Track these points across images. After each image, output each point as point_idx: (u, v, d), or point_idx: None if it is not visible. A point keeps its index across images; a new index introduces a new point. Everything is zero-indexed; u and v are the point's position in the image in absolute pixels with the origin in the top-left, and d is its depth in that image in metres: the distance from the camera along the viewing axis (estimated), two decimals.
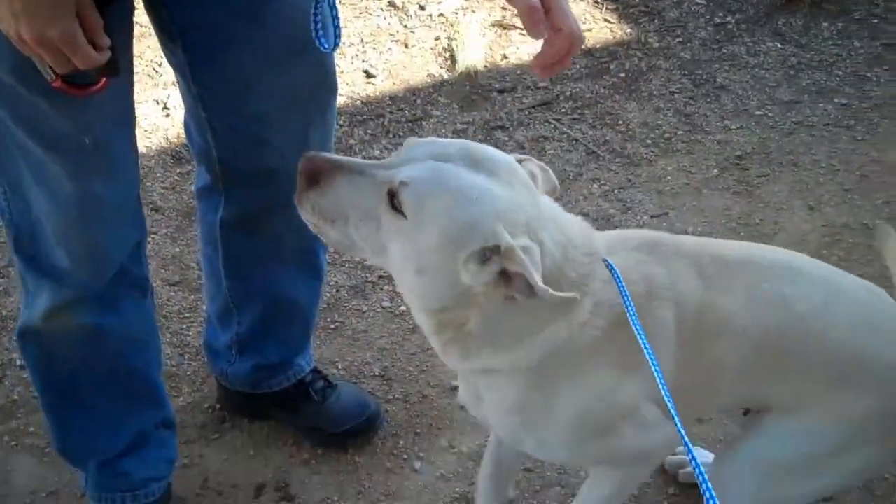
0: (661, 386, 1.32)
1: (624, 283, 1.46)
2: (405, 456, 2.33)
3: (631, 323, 1.39)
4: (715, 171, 3.32)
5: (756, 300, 1.59)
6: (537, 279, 1.30)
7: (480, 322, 1.42)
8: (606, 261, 1.48)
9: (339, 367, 2.59)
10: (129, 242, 1.88)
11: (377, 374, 2.57)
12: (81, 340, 1.93)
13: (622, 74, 3.91)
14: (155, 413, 2.13)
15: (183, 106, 1.96)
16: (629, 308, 1.40)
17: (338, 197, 1.38)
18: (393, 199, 1.33)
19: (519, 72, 3.92)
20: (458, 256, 1.33)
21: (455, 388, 2.47)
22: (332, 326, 2.72)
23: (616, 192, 3.24)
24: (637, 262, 1.56)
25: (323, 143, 1.96)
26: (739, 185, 3.28)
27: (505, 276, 1.33)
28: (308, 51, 1.69)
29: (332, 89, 1.93)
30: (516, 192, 1.37)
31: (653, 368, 1.33)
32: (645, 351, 1.35)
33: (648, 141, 3.51)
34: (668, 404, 1.28)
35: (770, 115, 3.62)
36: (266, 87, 1.80)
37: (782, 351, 1.60)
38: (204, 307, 2.77)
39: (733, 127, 3.58)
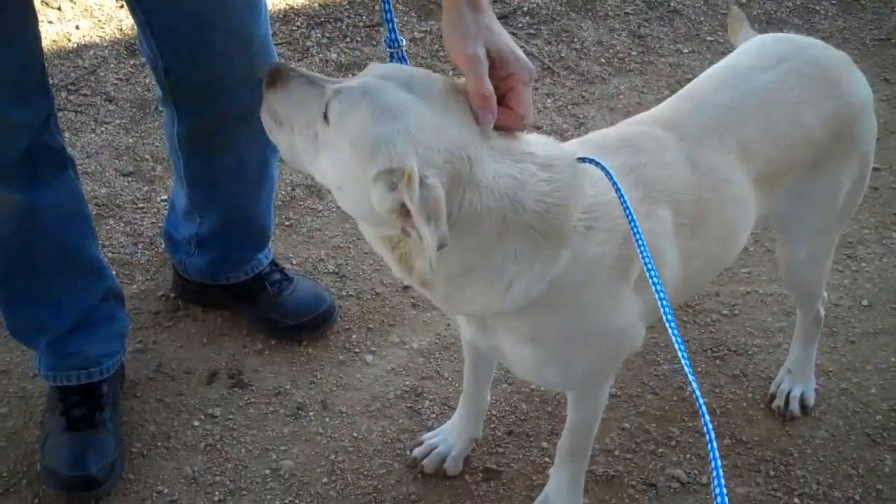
0: (659, 300, 1.28)
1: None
2: (357, 350, 2.38)
3: (631, 228, 1.35)
4: (666, 92, 3.38)
5: (731, 148, 1.66)
6: (421, 219, 1.22)
7: (433, 259, 1.26)
8: (601, 165, 1.41)
9: (294, 262, 2.62)
10: (38, 114, 1.86)
11: (331, 270, 2.60)
12: (12, 219, 1.93)
13: None
14: (98, 285, 2.13)
15: None
16: (627, 210, 1.35)
17: (287, 100, 1.39)
18: (327, 110, 1.33)
19: None
20: (367, 173, 1.27)
21: (407, 287, 2.52)
22: (287, 223, 2.75)
23: (570, 107, 3.28)
24: (624, 164, 1.53)
25: (266, 47, 1.99)
26: None
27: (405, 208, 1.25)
28: None
29: None
30: (448, 117, 1.31)
31: (651, 281, 1.29)
32: (644, 261, 1.31)
33: (602, 60, 3.56)
34: (668, 324, 1.24)
35: (721, 41, 3.67)
36: None
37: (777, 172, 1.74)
38: (159, 198, 2.78)
39: (685, 51, 3.64)
